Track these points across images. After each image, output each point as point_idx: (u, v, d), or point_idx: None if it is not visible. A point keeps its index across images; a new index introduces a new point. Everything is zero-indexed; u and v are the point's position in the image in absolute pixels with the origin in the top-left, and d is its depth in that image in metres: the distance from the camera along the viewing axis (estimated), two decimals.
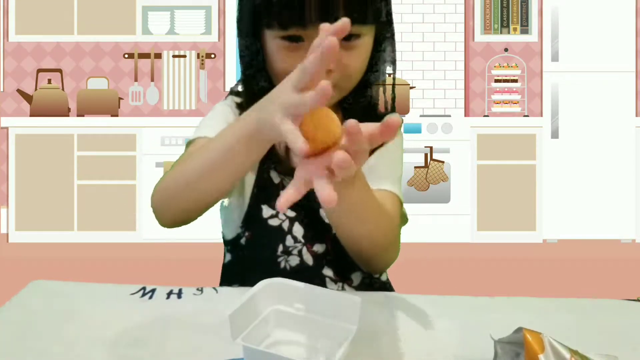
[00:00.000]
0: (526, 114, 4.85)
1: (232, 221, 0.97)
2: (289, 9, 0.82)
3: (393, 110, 1.01)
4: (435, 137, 4.52)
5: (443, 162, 4.49)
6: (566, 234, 4.58)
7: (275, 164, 0.94)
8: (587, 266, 3.82)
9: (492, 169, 4.52)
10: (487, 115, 4.82)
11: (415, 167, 4.48)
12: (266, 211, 0.93)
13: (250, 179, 0.95)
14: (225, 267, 0.99)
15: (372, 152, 0.93)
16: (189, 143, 0.92)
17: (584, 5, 4.64)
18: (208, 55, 4.96)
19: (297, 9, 0.82)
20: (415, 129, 4.51)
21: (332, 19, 0.81)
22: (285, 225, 0.93)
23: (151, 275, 3.16)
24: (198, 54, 4.95)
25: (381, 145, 0.94)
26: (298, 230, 0.93)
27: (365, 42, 0.89)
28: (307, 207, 0.86)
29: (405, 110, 4.64)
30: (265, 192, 0.93)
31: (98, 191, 4.45)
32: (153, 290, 0.78)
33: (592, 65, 4.63)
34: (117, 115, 4.71)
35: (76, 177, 4.45)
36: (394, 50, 0.98)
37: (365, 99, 0.97)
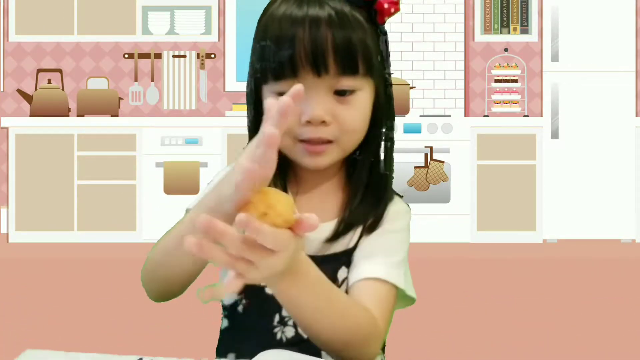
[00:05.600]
0: (526, 114, 4.85)
1: None
2: (281, 60, 0.85)
3: (391, 163, 0.98)
4: (435, 137, 4.52)
5: (443, 162, 4.49)
6: (566, 234, 4.58)
7: None
8: (587, 266, 3.82)
9: (492, 169, 4.52)
10: (487, 115, 4.82)
11: (415, 167, 4.48)
12: None
13: None
14: (223, 332, 0.97)
15: (370, 231, 0.92)
16: (186, 213, 0.94)
17: (584, 5, 4.64)
18: (208, 55, 4.96)
19: (288, 60, 0.85)
20: (415, 129, 4.51)
21: (323, 68, 0.85)
22: None
23: None
24: (198, 54, 4.95)
25: (375, 226, 0.93)
26: None
27: (361, 97, 0.89)
28: None
29: (405, 111, 4.64)
30: None
31: (98, 191, 4.45)
32: None
33: (592, 65, 4.63)
34: (117, 115, 4.71)
35: (76, 177, 4.45)
36: (389, 107, 0.96)
37: (368, 157, 0.95)
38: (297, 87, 0.63)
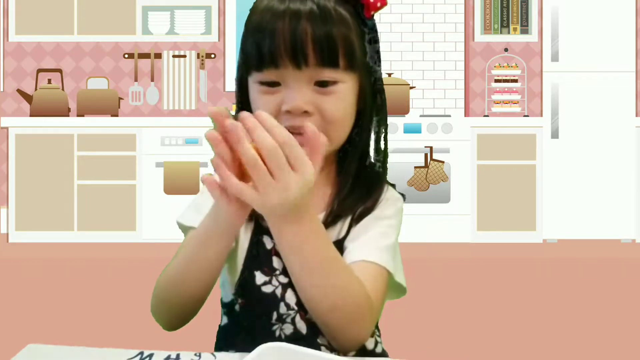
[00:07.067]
0: (526, 114, 4.85)
1: (228, 286, 0.96)
2: (262, 52, 0.87)
3: (385, 159, 0.99)
4: (435, 137, 4.52)
5: (443, 162, 4.49)
6: (566, 234, 4.58)
7: (267, 229, 0.92)
8: (587, 266, 3.82)
9: (492, 169, 4.52)
10: (487, 115, 4.82)
11: (415, 167, 4.48)
12: (259, 278, 0.92)
13: (243, 245, 0.94)
14: (222, 329, 0.98)
15: (359, 220, 0.92)
16: (178, 225, 0.96)
17: (584, 5, 4.64)
18: (208, 55, 4.96)
19: (268, 51, 0.87)
20: (415, 129, 4.51)
21: (303, 61, 0.86)
22: (279, 291, 0.91)
23: (151, 276, 3.16)
24: (198, 54, 4.95)
25: (369, 212, 0.94)
26: (291, 297, 0.90)
27: (343, 89, 0.89)
28: None
29: (405, 110, 4.64)
30: (258, 258, 0.92)
31: (98, 191, 4.45)
32: (150, 356, 0.77)
33: (592, 65, 4.63)
34: (117, 115, 4.71)
35: (76, 177, 4.45)
36: (379, 101, 0.96)
37: (356, 149, 0.95)
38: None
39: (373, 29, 0.95)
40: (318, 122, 0.88)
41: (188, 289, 0.85)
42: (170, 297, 0.86)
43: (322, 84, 0.88)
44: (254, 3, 0.92)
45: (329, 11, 0.87)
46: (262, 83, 0.89)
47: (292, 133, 0.87)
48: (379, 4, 0.92)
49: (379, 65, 0.97)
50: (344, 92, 0.90)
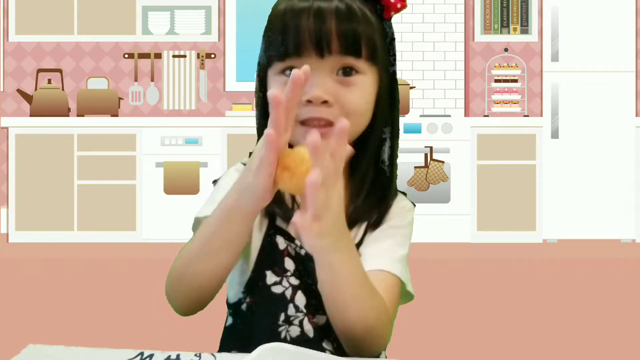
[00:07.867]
0: (526, 114, 4.85)
1: (236, 284, 0.96)
2: (287, 42, 0.87)
3: (393, 160, 0.99)
4: (435, 137, 4.52)
5: (443, 162, 4.49)
6: (566, 234, 4.58)
7: (281, 229, 0.92)
8: (587, 266, 3.82)
9: (492, 169, 4.52)
10: (487, 115, 4.82)
11: (415, 167, 4.48)
12: (270, 277, 0.92)
13: (256, 244, 0.94)
14: (226, 330, 0.97)
15: (375, 227, 0.93)
16: (195, 221, 0.93)
17: (584, 5, 4.65)
18: (208, 55, 4.96)
19: (294, 41, 0.87)
20: (415, 129, 4.51)
21: (326, 48, 0.86)
22: (289, 293, 0.91)
23: (151, 276, 3.15)
24: (198, 54, 4.95)
25: (380, 222, 0.94)
26: (300, 299, 0.90)
27: (365, 81, 0.90)
28: (312, 275, 0.85)
29: (405, 110, 4.64)
30: (270, 257, 0.92)
31: (98, 191, 4.45)
32: (151, 356, 0.77)
33: (592, 65, 4.63)
34: (117, 115, 4.71)
35: (76, 177, 4.45)
36: (393, 103, 0.97)
37: (370, 152, 0.96)
38: (305, 67, 0.69)
39: (391, 30, 0.96)
40: (337, 113, 0.88)
41: (206, 266, 0.82)
42: (188, 275, 0.84)
43: (345, 72, 0.88)
44: (273, 8, 0.92)
45: (354, 10, 0.88)
46: (283, 72, 0.89)
47: (312, 125, 0.87)
48: (399, 5, 0.93)
49: (395, 67, 0.97)
50: (365, 84, 0.90)
